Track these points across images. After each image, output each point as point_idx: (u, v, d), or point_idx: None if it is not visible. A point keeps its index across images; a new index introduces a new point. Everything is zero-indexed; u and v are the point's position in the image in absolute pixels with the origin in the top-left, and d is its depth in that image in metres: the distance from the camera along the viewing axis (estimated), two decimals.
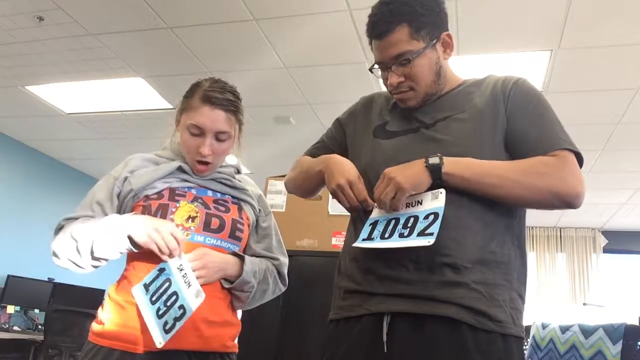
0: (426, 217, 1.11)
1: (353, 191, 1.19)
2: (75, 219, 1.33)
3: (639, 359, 2.04)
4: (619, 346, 2.06)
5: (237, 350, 1.41)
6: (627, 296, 6.95)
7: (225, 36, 3.49)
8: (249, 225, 1.47)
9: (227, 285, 1.36)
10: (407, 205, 1.16)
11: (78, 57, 3.90)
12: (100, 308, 1.33)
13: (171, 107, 4.52)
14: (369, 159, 1.29)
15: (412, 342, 1.10)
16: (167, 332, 1.19)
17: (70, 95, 4.56)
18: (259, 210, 1.52)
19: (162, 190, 1.37)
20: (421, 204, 1.14)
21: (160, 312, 1.20)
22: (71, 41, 3.68)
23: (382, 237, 1.13)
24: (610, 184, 5.59)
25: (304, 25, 3.30)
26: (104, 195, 1.36)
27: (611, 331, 2.11)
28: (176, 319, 1.20)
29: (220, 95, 1.36)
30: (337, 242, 2.54)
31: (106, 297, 1.33)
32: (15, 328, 5.21)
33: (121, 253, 1.28)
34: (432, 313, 1.09)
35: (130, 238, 1.24)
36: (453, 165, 1.13)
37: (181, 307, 1.20)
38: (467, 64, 3.54)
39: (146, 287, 1.23)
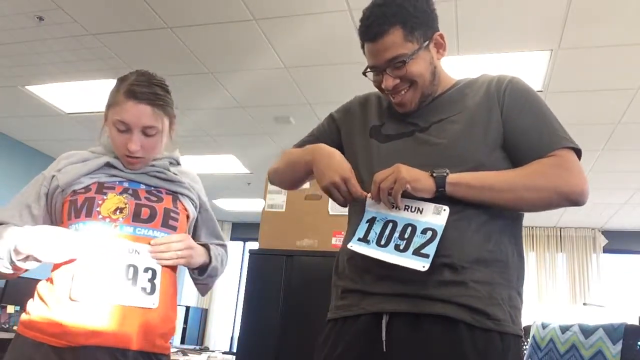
0: (424, 232, 1.11)
1: (348, 188, 1.17)
2: (1, 223, 1.32)
3: (639, 359, 2.04)
4: (619, 346, 2.05)
5: (168, 352, 1.37)
6: (627, 296, 6.95)
7: (225, 36, 3.49)
8: (187, 217, 1.45)
9: (197, 276, 1.43)
10: (407, 209, 1.15)
11: (78, 57, 3.90)
12: (30, 299, 1.31)
13: None
14: (365, 160, 1.29)
15: (410, 341, 1.10)
16: (150, 293, 1.26)
17: (70, 95, 4.56)
18: (198, 203, 1.51)
19: (90, 185, 1.35)
20: (421, 213, 1.14)
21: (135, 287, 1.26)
22: (71, 41, 3.68)
23: (378, 243, 1.13)
24: (610, 184, 5.59)
25: (304, 25, 3.30)
26: (32, 197, 1.36)
27: (611, 331, 2.11)
28: (150, 281, 1.27)
29: (146, 89, 1.33)
30: (337, 242, 2.54)
31: (35, 292, 1.31)
32: (15, 328, 5.21)
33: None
34: (430, 312, 1.10)
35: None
36: (458, 176, 1.14)
37: (148, 269, 1.29)
38: (467, 64, 3.54)
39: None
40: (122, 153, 1.37)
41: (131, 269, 1.25)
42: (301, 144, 1.45)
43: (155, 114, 1.34)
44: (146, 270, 1.27)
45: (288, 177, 1.42)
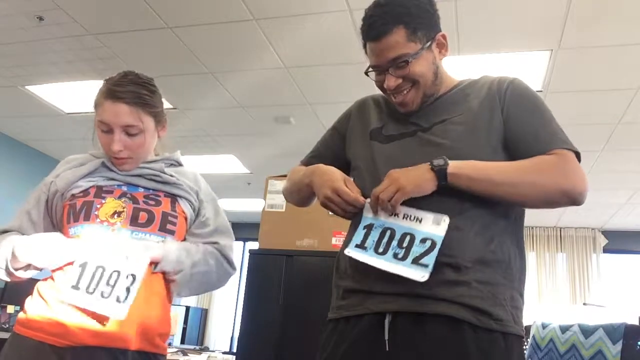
0: (423, 241, 1.10)
1: (341, 197, 1.18)
2: (4, 231, 1.36)
3: (639, 358, 2.04)
4: (619, 346, 2.05)
5: (166, 353, 1.37)
6: (627, 296, 6.95)
7: (225, 36, 3.49)
8: (186, 219, 1.43)
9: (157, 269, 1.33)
10: (405, 218, 1.14)
11: (78, 57, 3.90)
12: (29, 297, 1.30)
13: (171, 107, 4.52)
14: (367, 164, 1.29)
15: (414, 341, 1.10)
16: (122, 302, 1.21)
17: (70, 95, 4.56)
18: (198, 204, 1.48)
19: (89, 188, 1.36)
20: (420, 222, 1.13)
21: (105, 295, 1.21)
22: (71, 41, 3.68)
23: (376, 251, 1.13)
24: (610, 184, 5.59)
25: (304, 25, 3.30)
26: (32, 204, 1.39)
27: (611, 331, 2.11)
28: (128, 288, 1.22)
29: (124, 89, 1.33)
30: (337, 242, 2.54)
31: (35, 291, 1.30)
32: None
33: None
34: (433, 312, 1.10)
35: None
36: (458, 166, 1.13)
37: (129, 275, 1.23)
38: (467, 64, 3.54)
39: (75, 287, 1.21)
40: (110, 154, 1.37)
41: (115, 274, 1.23)
42: (307, 161, 1.47)
43: (134, 113, 1.34)
44: (128, 276, 1.24)
45: (296, 198, 1.45)
